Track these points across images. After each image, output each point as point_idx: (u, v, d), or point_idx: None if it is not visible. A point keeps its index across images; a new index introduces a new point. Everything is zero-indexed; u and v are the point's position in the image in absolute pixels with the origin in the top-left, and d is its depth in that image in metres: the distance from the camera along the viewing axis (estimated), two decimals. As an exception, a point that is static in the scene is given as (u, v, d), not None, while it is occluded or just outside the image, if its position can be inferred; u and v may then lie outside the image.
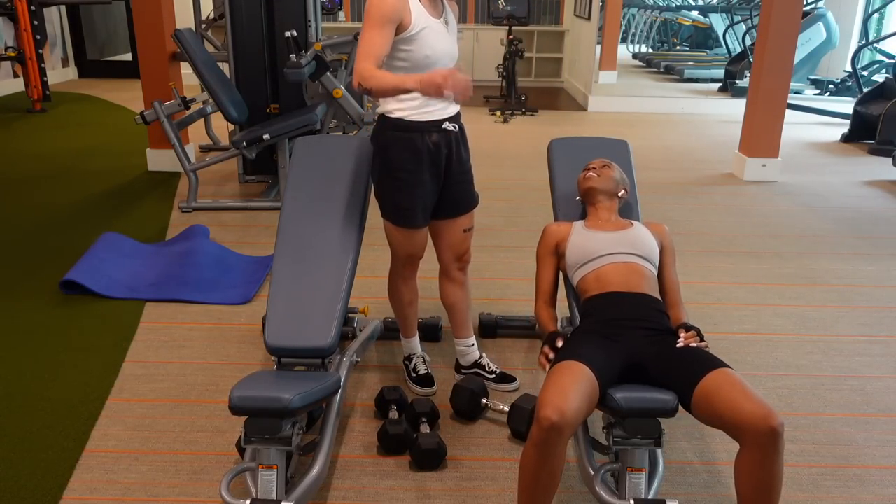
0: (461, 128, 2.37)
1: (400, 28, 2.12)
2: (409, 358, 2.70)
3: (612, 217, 2.33)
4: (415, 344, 2.70)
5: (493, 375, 2.63)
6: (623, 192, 2.42)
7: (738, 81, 9.08)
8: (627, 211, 2.52)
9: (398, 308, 2.61)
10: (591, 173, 2.39)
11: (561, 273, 2.37)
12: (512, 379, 2.65)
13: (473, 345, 2.65)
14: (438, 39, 2.20)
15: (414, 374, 2.65)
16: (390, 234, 2.43)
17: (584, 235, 2.26)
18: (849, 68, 9.12)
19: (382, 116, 2.30)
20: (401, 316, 2.63)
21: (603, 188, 2.36)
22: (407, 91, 2.04)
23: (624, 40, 12.87)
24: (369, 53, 2.08)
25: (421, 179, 2.29)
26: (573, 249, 2.25)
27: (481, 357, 2.67)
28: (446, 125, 2.29)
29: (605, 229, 2.26)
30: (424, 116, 2.25)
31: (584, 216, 2.47)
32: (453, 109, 2.33)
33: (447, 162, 2.32)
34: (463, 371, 2.66)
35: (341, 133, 5.32)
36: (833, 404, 2.60)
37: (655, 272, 2.21)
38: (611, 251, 2.18)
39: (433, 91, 1.95)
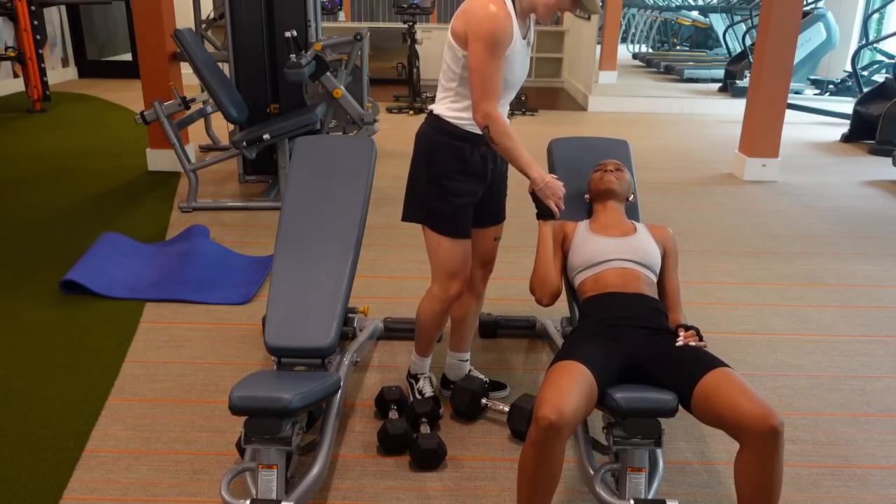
0: None
1: None
2: (415, 378, 2.54)
3: (619, 220, 2.33)
4: (425, 364, 2.54)
5: (486, 385, 2.58)
6: (632, 195, 2.43)
7: (738, 81, 9.08)
8: (629, 211, 2.51)
9: (425, 329, 2.42)
10: (609, 176, 2.38)
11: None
12: (503, 386, 2.63)
13: (468, 359, 2.60)
14: (521, 62, 2.11)
15: (419, 397, 2.52)
16: (432, 244, 2.25)
17: (587, 238, 2.26)
18: (849, 68, 9.12)
19: (436, 116, 2.16)
20: (424, 336, 2.46)
21: (620, 191, 2.37)
22: (526, 175, 2.12)
23: (624, 40, 12.88)
24: (492, 90, 1.95)
25: (463, 189, 2.20)
26: (575, 251, 2.25)
27: (470, 371, 2.61)
28: None
29: (609, 234, 2.26)
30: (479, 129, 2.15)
31: (588, 215, 2.47)
32: None
33: (491, 175, 2.26)
34: (451, 386, 2.55)
35: (341, 133, 5.33)
36: (833, 404, 2.60)
37: (655, 278, 2.21)
38: (611, 257, 2.18)
39: (547, 196, 2.14)
